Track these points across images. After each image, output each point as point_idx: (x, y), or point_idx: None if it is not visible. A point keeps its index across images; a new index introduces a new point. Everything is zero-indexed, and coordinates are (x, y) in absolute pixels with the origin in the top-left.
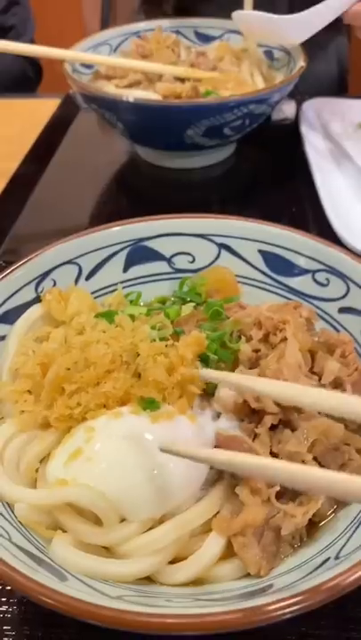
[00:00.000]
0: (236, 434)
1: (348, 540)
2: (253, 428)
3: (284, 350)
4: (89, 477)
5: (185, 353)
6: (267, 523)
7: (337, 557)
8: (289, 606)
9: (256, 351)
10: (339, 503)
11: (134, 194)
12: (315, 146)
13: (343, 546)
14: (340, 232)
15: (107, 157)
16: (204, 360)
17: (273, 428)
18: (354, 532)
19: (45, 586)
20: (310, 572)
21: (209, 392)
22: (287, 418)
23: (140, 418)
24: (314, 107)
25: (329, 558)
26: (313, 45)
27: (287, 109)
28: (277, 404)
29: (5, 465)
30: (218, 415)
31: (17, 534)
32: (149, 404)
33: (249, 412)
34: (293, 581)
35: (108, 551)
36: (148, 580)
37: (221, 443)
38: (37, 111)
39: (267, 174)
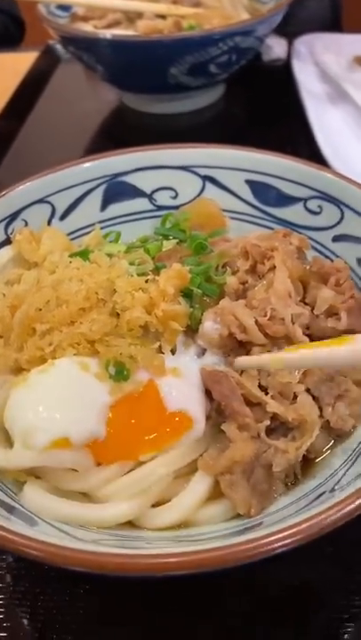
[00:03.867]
0: (222, 368)
1: (344, 474)
2: None
3: (272, 279)
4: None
5: (166, 287)
6: (257, 459)
7: (332, 490)
8: (277, 541)
9: (243, 283)
10: (336, 438)
11: (120, 143)
12: (308, 83)
13: (339, 480)
14: (335, 168)
15: (90, 107)
16: (188, 295)
17: None
18: (351, 466)
19: (19, 533)
20: (303, 508)
21: (193, 328)
22: (279, 349)
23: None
24: (306, 43)
25: (324, 492)
26: None
27: (278, 49)
28: (266, 335)
29: None
30: (203, 352)
31: None
32: (118, 374)
33: (235, 346)
34: (284, 517)
35: (85, 498)
36: (131, 525)
37: (207, 379)
38: (17, 65)
39: (258, 117)
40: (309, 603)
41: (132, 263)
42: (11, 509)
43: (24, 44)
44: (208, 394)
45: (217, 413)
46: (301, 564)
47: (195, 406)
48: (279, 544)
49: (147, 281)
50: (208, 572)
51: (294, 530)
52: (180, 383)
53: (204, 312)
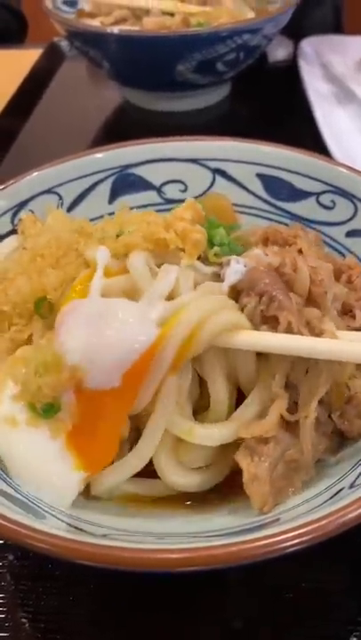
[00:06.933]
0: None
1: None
2: None
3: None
4: None
5: (182, 213)
6: (282, 455)
7: (351, 486)
8: (293, 538)
9: None
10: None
11: (124, 140)
12: (314, 84)
13: (356, 479)
14: None
15: (94, 104)
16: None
17: None
18: None
19: (27, 525)
20: (320, 505)
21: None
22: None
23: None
24: (312, 44)
25: (343, 489)
26: None
27: (284, 49)
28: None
29: None
30: None
31: None
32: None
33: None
34: (300, 514)
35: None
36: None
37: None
38: (21, 62)
39: (264, 116)
40: (319, 606)
41: None
42: (16, 502)
43: (28, 40)
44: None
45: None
46: (312, 565)
47: None
48: (296, 541)
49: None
50: (219, 570)
51: (312, 527)
52: None
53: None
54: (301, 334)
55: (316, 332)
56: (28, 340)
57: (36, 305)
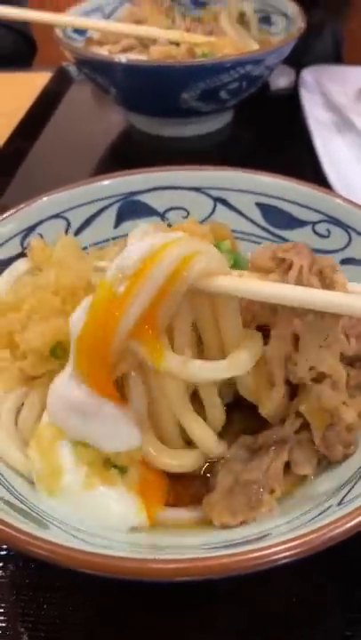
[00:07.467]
0: None
1: (353, 486)
2: None
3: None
4: None
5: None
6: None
7: (339, 504)
8: (283, 551)
9: None
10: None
11: (129, 164)
12: (315, 112)
13: (343, 497)
14: (340, 193)
15: (101, 129)
16: None
17: None
18: (359, 479)
19: (30, 534)
20: (310, 521)
21: None
22: None
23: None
24: (313, 74)
25: (330, 506)
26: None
27: (285, 78)
28: None
29: (5, 429)
30: None
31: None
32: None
33: None
34: (292, 529)
35: None
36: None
37: None
38: (30, 84)
39: (265, 143)
40: (306, 617)
41: None
42: (22, 513)
43: (36, 62)
44: None
45: None
46: (301, 579)
47: None
48: (286, 554)
49: None
50: (215, 581)
51: (302, 540)
52: None
53: None
54: (310, 284)
55: (326, 283)
56: (42, 377)
57: (51, 350)
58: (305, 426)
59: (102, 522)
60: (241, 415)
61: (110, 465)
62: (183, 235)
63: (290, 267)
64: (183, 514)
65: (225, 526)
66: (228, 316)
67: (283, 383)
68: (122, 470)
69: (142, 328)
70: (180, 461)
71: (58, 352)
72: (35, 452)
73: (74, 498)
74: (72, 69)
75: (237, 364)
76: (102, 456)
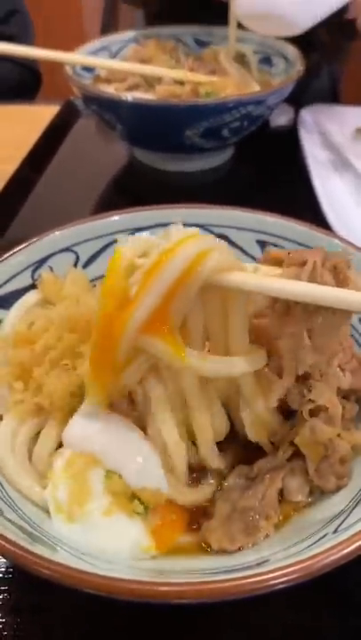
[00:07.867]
0: None
1: (348, 515)
2: None
3: None
4: None
5: None
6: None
7: (335, 532)
8: (280, 577)
9: None
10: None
11: (133, 197)
12: (313, 152)
13: (341, 523)
14: (338, 232)
15: (106, 162)
16: None
17: None
18: (353, 508)
19: (40, 555)
20: (306, 548)
21: None
22: None
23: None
24: (312, 113)
25: (326, 534)
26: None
27: (285, 117)
28: None
29: (19, 459)
30: None
31: (9, 510)
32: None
33: None
34: (290, 555)
35: None
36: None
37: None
38: (37, 117)
39: (264, 179)
40: None
41: None
42: (34, 537)
43: (41, 94)
44: None
45: None
46: (298, 604)
47: None
48: (283, 579)
49: None
50: (214, 605)
51: (298, 567)
52: None
53: None
54: (323, 280)
55: (340, 279)
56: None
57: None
58: (297, 454)
59: (111, 547)
60: (238, 447)
61: (135, 498)
62: (197, 231)
63: (304, 262)
64: (182, 539)
65: (223, 551)
66: (238, 311)
67: (293, 374)
68: (145, 507)
69: (155, 325)
70: (198, 496)
71: (76, 392)
72: (61, 478)
73: (91, 523)
74: (79, 103)
75: (255, 359)
76: (130, 490)
